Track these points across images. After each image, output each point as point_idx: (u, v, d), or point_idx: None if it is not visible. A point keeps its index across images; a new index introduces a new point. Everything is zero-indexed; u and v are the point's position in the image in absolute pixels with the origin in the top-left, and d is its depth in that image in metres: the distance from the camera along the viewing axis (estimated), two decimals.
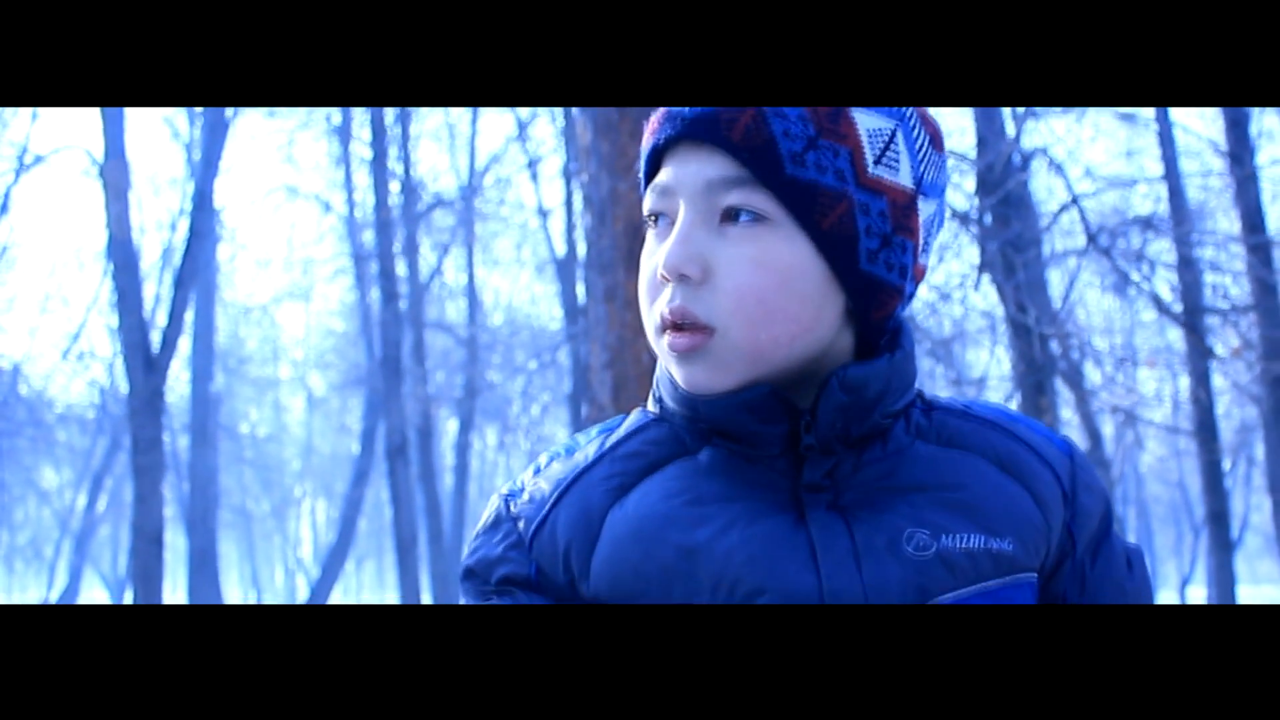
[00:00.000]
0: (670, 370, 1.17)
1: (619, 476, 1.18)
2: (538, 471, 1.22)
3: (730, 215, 1.11)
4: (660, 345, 1.14)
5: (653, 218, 1.16)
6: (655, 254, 1.15)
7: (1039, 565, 1.16)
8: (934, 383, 11.13)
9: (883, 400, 1.15)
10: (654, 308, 1.14)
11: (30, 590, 42.45)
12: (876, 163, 1.12)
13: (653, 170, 1.17)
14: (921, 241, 1.17)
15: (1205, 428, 11.64)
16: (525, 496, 1.20)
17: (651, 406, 1.23)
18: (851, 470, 1.15)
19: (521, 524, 1.18)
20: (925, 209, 1.16)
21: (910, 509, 1.13)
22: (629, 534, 1.14)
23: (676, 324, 1.12)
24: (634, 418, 1.24)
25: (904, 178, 1.14)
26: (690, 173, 1.12)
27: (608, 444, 1.22)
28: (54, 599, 31.19)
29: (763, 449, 1.15)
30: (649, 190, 1.16)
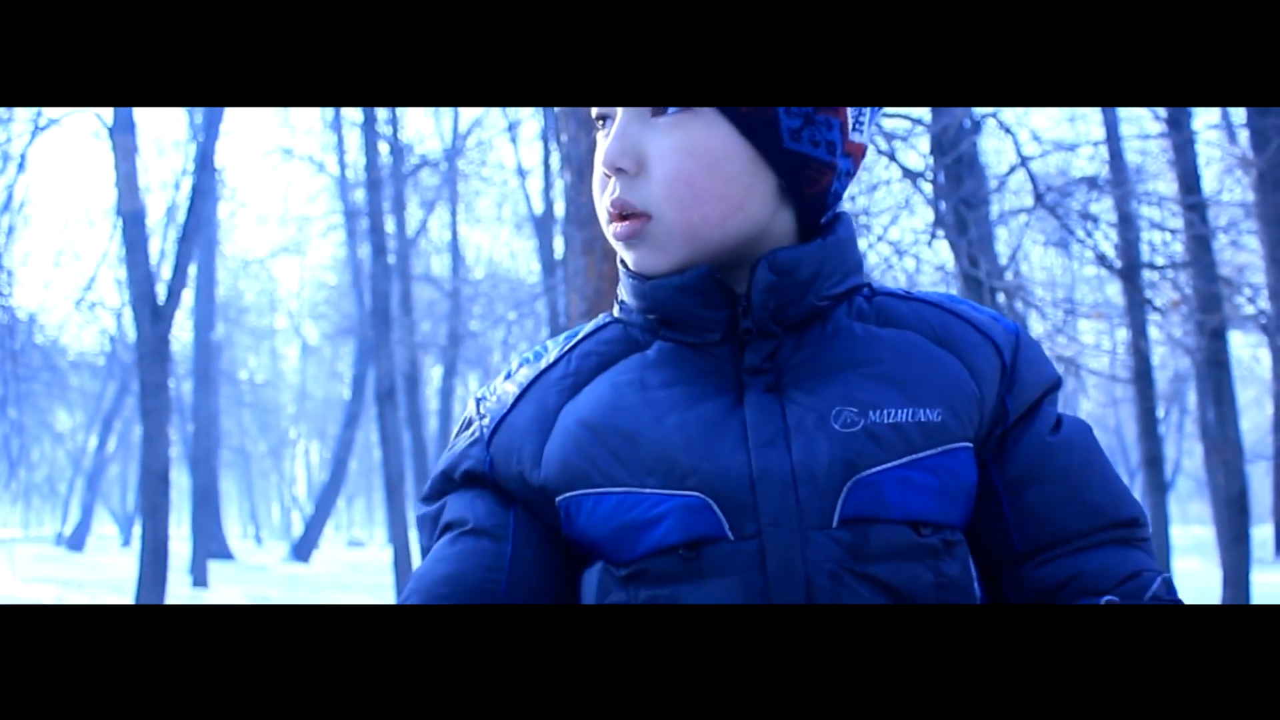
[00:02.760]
0: (623, 257, 1.18)
1: (573, 376, 1.20)
2: (508, 376, 1.25)
3: (659, 109, 1.12)
4: (609, 234, 1.16)
5: (600, 120, 1.17)
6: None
7: (974, 435, 1.13)
8: None
9: (816, 283, 1.15)
10: (601, 201, 1.16)
11: (46, 524, 42.61)
12: None
13: None
14: (851, 120, 1.15)
15: (1142, 377, 11.67)
16: (493, 399, 1.23)
17: (616, 311, 1.24)
18: (792, 353, 1.14)
19: (486, 420, 1.21)
20: None
21: (841, 387, 1.12)
22: (578, 422, 1.15)
23: (620, 214, 1.13)
24: (596, 321, 1.26)
25: None
26: None
27: (567, 346, 1.24)
28: (67, 533, 31.40)
29: (706, 335, 1.15)
30: None
